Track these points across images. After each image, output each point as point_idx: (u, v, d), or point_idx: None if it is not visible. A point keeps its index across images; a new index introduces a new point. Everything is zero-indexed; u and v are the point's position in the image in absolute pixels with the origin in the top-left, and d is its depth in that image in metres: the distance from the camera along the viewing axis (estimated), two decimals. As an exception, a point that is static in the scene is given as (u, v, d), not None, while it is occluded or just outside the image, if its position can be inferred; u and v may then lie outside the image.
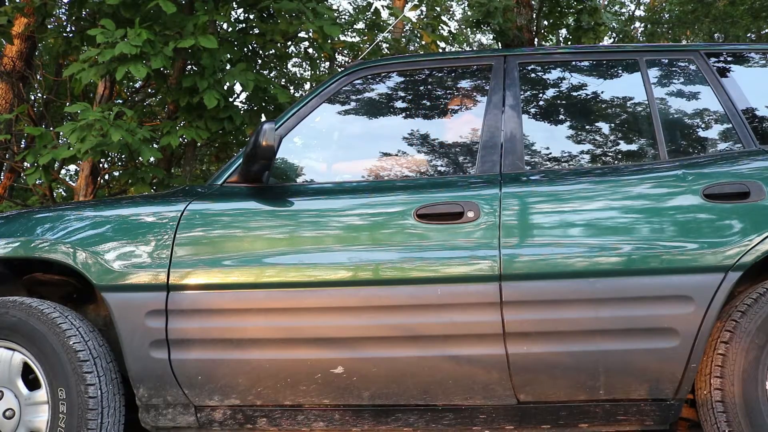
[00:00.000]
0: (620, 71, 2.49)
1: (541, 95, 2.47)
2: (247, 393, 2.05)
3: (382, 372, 2.01)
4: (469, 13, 9.78)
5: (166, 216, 2.13)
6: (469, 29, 12.74)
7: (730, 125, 2.28)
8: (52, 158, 4.62)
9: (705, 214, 2.04)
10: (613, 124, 2.42)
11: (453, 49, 13.04)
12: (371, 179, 2.31)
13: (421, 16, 8.96)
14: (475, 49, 14.52)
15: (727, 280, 1.96)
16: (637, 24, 12.71)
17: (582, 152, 2.36)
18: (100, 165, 5.58)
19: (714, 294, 1.96)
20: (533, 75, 2.48)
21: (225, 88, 4.78)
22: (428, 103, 2.50)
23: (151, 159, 5.50)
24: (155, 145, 5.36)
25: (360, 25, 10.77)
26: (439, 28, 6.41)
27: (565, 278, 1.99)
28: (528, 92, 2.43)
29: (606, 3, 12.66)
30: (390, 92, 2.48)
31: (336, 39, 5.72)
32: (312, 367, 2.01)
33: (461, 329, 1.98)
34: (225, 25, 5.51)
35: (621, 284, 1.99)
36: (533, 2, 6.41)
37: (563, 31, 8.42)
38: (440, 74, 2.53)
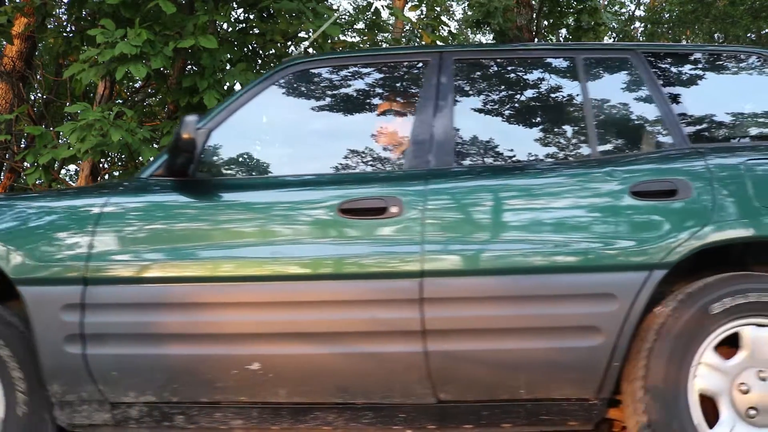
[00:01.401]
0: (557, 69, 2.47)
1: (476, 92, 2.44)
2: (163, 389, 2.01)
3: (299, 369, 1.98)
4: (469, 13, 9.78)
5: (87, 209, 2.10)
6: (469, 29, 12.74)
7: (663, 124, 2.27)
8: (52, 158, 4.62)
9: (631, 211, 2.02)
10: (547, 122, 2.41)
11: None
12: (298, 174, 2.28)
13: (421, 16, 8.96)
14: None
15: (652, 278, 1.95)
16: (637, 24, 12.73)
17: (515, 149, 2.32)
18: (100, 165, 5.58)
19: (638, 292, 1.94)
20: (469, 72, 2.45)
21: (225, 88, 4.78)
22: (361, 99, 2.47)
23: (151, 159, 5.50)
24: (155, 145, 5.35)
25: (360, 25, 10.77)
26: (439, 28, 6.41)
27: (487, 275, 1.97)
28: (464, 89, 2.40)
29: (606, 3, 12.65)
30: (323, 88, 2.46)
31: (336, 39, 5.72)
32: (228, 363, 1.97)
33: (380, 326, 1.96)
34: (225, 25, 5.51)
35: (543, 281, 1.96)
36: (533, 2, 6.40)
37: (563, 31, 8.41)
38: (375, 70, 2.50)
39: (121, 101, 6.61)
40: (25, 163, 5.62)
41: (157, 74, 4.84)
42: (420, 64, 2.41)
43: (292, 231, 2.03)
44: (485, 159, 2.28)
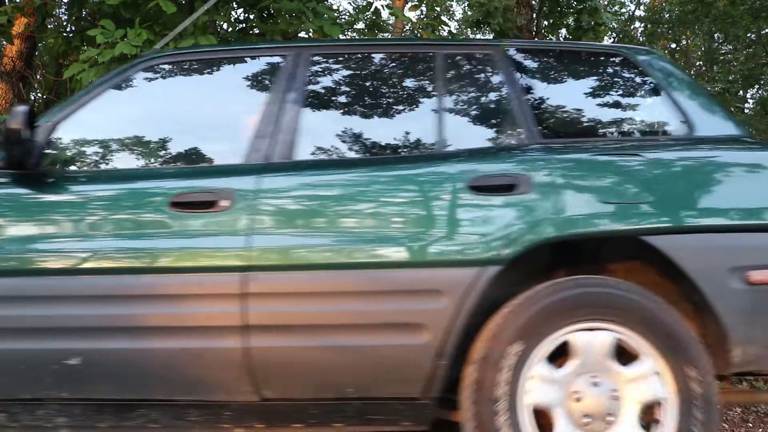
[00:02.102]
0: (416, 65, 2.46)
1: (331, 87, 2.42)
2: None
3: (120, 364, 1.96)
4: (469, 13, 9.79)
5: None
6: (469, 29, 12.74)
7: (516, 120, 2.26)
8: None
9: (468, 206, 2.01)
10: (399, 117, 2.39)
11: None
12: (137, 167, 2.26)
13: (421, 16, 8.97)
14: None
15: (484, 275, 1.93)
16: (637, 24, 12.73)
17: (362, 144, 2.31)
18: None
19: (468, 289, 1.92)
20: (325, 67, 2.44)
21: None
22: (214, 94, 2.46)
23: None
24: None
25: (360, 25, 10.77)
26: (439, 28, 6.41)
27: (313, 270, 1.95)
28: (318, 84, 2.38)
29: (606, 3, 12.66)
30: (179, 82, 2.45)
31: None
32: (47, 358, 1.95)
33: (203, 321, 1.95)
34: (225, 25, 5.51)
35: (369, 277, 1.95)
36: (533, 2, 6.41)
37: (563, 31, 8.42)
38: (234, 65, 2.50)
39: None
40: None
41: (157, 74, 4.82)
42: (278, 59, 2.39)
43: (121, 224, 2.01)
44: (331, 154, 2.25)
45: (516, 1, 5.88)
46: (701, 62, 11.85)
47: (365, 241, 1.97)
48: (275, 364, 1.94)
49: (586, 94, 2.48)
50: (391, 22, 10.95)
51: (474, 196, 2.01)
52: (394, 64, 2.48)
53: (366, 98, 2.45)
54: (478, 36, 13.86)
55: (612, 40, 12.53)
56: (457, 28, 12.70)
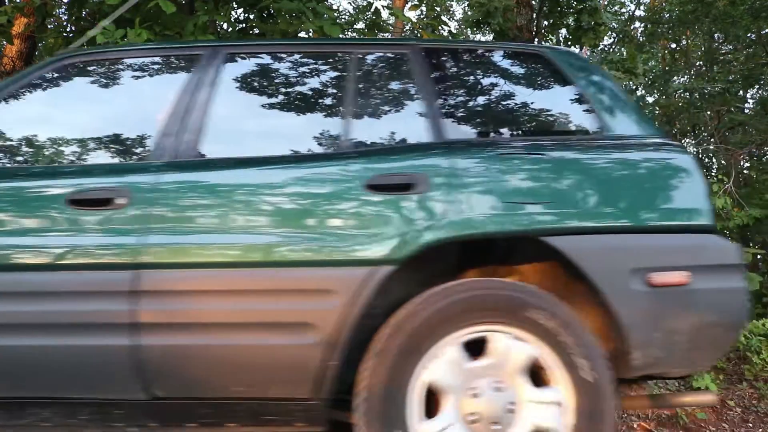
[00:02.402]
0: (329, 64, 2.46)
1: (244, 86, 2.41)
2: None
3: (11, 362, 1.94)
4: (469, 13, 9.78)
5: None
6: (469, 29, 12.74)
7: (423, 119, 2.24)
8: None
9: (364, 205, 2.00)
10: (307, 116, 2.38)
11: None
12: (37, 165, 2.26)
13: (421, 16, 8.96)
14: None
15: (377, 275, 1.91)
16: (637, 24, 12.72)
17: (267, 142, 2.29)
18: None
19: (359, 289, 1.91)
20: (241, 66, 2.43)
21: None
22: (126, 92, 2.45)
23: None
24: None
25: (360, 25, 10.77)
26: (439, 28, 6.41)
27: (205, 268, 1.94)
28: (230, 83, 2.37)
29: (606, 3, 12.66)
30: (90, 81, 2.44)
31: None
32: None
33: (94, 318, 1.92)
34: (225, 25, 5.51)
35: (262, 276, 1.94)
36: (533, 2, 6.40)
37: (563, 31, 8.42)
38: (147, 64, 2.48)
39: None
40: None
41: (157, 74, 4.82)
42: (193, 58, 2.39)
43: (18, 221, 2.01)
44: (236, 152, 2.24)
45: (516, 1, 5.87)
46: (701, 62, 11.85)
47: (258, 240, 1.96)
48: (165, 363, 1.92)
49: (499, 93, 2.48)
50: (391, 22, 10.96)
51: (370, 195, 2.00)
52: (308, 64, 2.47)
53: (276, 98, 2.44)
54: (479, 36, 13.88)
55: (612, 40, 12.53)
56: (457, 28, 12.70)
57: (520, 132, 2.36)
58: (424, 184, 2.02)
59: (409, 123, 2.28)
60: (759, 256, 7.69)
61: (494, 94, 2.47)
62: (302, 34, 5.56)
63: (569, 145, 2.19)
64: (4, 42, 5.84)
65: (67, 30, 5.62)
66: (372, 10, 6.86)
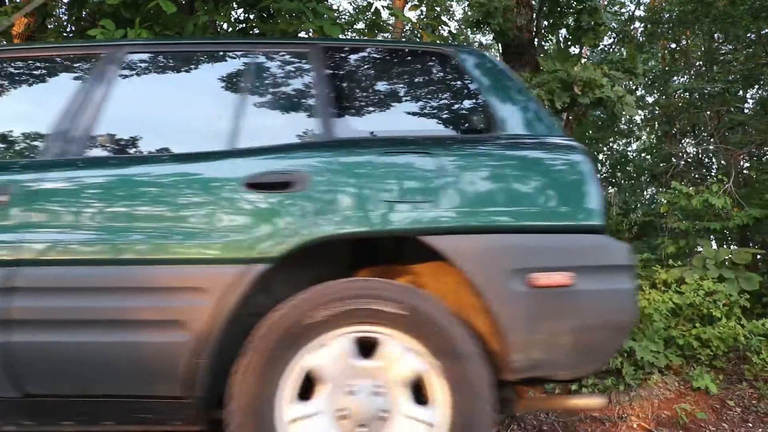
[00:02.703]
0: (229, 63, 2.46)
1: (141, 86, 2.41)
2: None
3: None
4: (469, 13, 9.78)
5: None
6: (469, 29, 12.73)
7: (316, 117, 2.25)
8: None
9: (242, 204, 1.99)
10: (201, 115, 2.37)
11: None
12: None
13: (421, 16, 8.96)
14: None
15: (250, 273, 1.90)
16: (637, 24, 12.72)
17: (159, 141, 2.29)
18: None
19: (231, 287, 1.90)
20: (140, 66, 2.43)
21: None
22: (24, 91, 2.45)
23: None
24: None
25: (360, 25, 10.76)
26: (439, 28, 6.41)
27: (80, 266, 1.94)
28: (127, 83, 2.37)
29: (606, 3, 12.65)
30: None
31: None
32: None
33: None
34: (225, 25, 5.50)
35: (134, 273, 1.93)
36: (533, 2, 6.40)
37: (563, 31, 8.43)
38: (48, 63, 2.48)
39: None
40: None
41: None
42: (92, 57, 2.39)
43: None
44: (123, 152, 2.24)
45: (516, 1, 5.87)
46: (701, 62, 11.85)
47: (133, 237, 1.96)
48: (37, 360, 1.91)
49: (398, 92, 2.48)
50: (391, 22, 10.95)
51: (248, 194, 1.99)
52: (206, 63, 2.47)
53: (169, 97, 2.44)
54: (478, 36, 13.86)
55: (612, 40, 12.52)
56: (457, 28, 12.70)
57: (412, 131, 2.33)
58: (303, 183, 2.01)
59: (300, 122, 2.29)
60: (759, 256, 7.69)
61: (392, 93, 2.47)
62: (302, 34, 5.56)
63: (457, 145, 2.18)
64: (4, 42, 5.84)
65: (67, 30, 5.61)
66: (372, 10, 6.86)
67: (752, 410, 4.46)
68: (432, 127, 2.37)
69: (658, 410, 4.32)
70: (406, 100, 2.46)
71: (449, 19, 12.26)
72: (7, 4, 5.45)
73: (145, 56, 2.44)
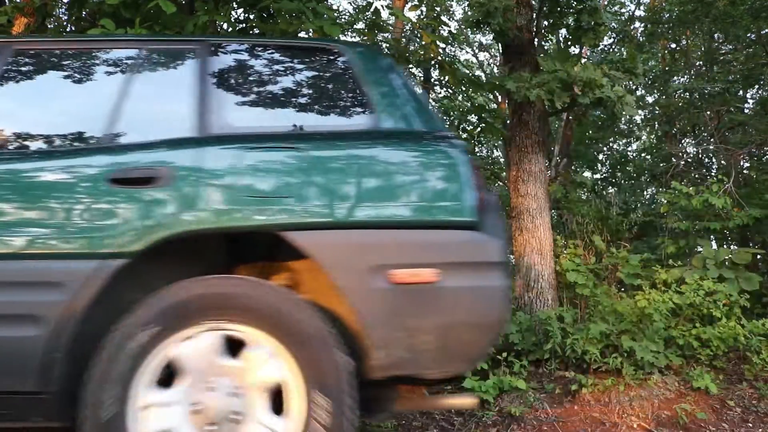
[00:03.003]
0: (109, 60, 2.44)
1: (19, 81, 2.40)
2: None
3: None
4: (469, 13, 9.78)
5: None
6: (469, 29, 12.72)
7: (190, 114, 2.23)
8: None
9: (104, 199, 1.97)
10: (75, 111, 2.35)
11: (452, 51, 13.03)
12: None
13: (421, 16, 8.96)
14: (475, 50, 14.50)
15: (106, 268, 1.89)
16: (637, 24, 12.72)
17: (35, 137, 2.27)
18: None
19: (87, 282, 1.88)
20: (27, 62, 2.43)
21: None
22: None
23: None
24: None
25: (360, 25, 10.76)
26: (439, 28, 6.41)
27: None
28: (14, 79, 2.37)
29: (606, 3, 12.65)
30: None
31: (336, 39, 5.72)
32: None
33: None
34: (225, 25, 5.50)
35: None
36: (533, 2, 6.40)
37: (563, 31, 8.42)
38: None
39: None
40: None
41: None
42: None
43: None
44: None
45: (516, 1, 5.87)
46: (701, 62, 11.85)
47: None
48: None
49: (278, 88, 2.46)
50: (391, 22, 10.95)
51: (110, 189, 1.98)
52: (92, 60, 2.45)
53: (44, 93, 2.42)
54: (478, 36, 13.85)
55: (612, 40, 12.52)
56: (457, 28, 12.70)
57: (289, 126, 2.31)
58: (166, 179, 2.00)
59: (175, 118, 2.26)
60: (759, 256, 7.69)
61: (275, 89, 2.45)
62: (302, 34, 5.57)
63: (326, 140, 2.17)
64: (4, 42, 5.84)
65: (67, 30, 5.61)
66: (372, 10, 6.86)
67: (752, 410, 4.46)
68: (311, 122, 2.35)
69: (658, 410, 4.32)
70: (289, 96, 2.44)
71: (449, 19, 12.27)
72: (7, 4, 5.45)
73: (32, 52, 2.42)
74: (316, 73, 2.51)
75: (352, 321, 1.97)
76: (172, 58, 2.43)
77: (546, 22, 6.67)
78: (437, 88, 12.24)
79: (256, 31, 5.43)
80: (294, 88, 2.47)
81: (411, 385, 2.15)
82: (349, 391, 1.88)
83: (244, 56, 2.51)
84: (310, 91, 2.46)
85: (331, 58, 2.48)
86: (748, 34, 9.88)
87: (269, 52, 2.56)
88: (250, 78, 2.47)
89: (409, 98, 2.33)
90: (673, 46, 13.04)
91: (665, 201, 7.56)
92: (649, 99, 12.95)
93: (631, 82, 6.67)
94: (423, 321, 1.93)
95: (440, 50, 7.70)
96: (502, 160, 13.72)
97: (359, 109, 2.32)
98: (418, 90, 2.50)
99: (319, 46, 2.59)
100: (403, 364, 1.95)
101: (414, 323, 1.93)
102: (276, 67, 2.53)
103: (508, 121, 6.61)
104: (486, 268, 1.98)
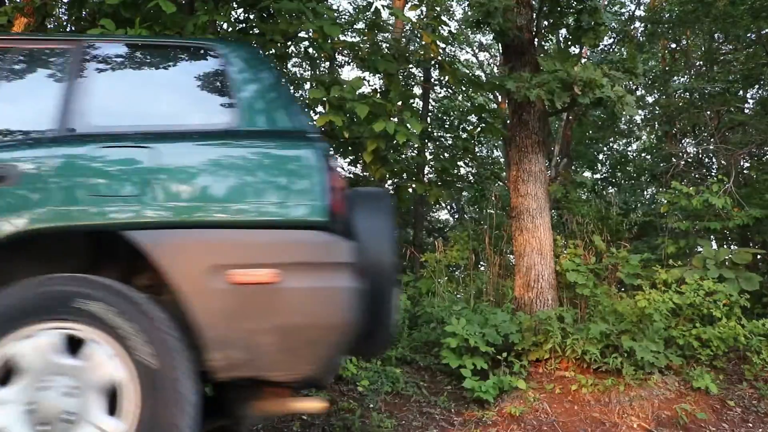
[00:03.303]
0: None
1: None
2: None
3: None
4: (469, 13, 9.78)
5: None
6: (469, 29, 12.72)
7: (51, 113, 2.22)
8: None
9: None
10: None
11: (452, 51, 13.03)
12: None
13: (421, 16, 8.96)
14: (475, 50, 14.49)
15: None
16: (637, 24, 12.71)
17: None
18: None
19: None
20: None
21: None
22: None
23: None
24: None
25: (360, 25, 10.76)
26: (439, 28, 6.40)
27: None
28: None
29: (606, 3, 12.65)
30: None
31: (336, 39, 5.72)
32: None
33: None
34: (225, 25, 5.50)
35: None
36: (533, 2, 6.39)
37: (563, 31, 8.42)
38: None
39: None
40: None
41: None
42: None
43: None
44: None
45: (516, 1, 5.87)
46: (701, 62, 11.84)
47: None
48: None
49: (154, 86, 2.47)
50: (391, 22, 10.95)
51: None
52: None
53: None
54: (478, 36, 13.84)
55: (612, 40, 12.51)
56: (457, 28, 12.69)
57: (151, 126, 2.28)
58: (13, 178, 2.00)
59: (37, 118, 2.25)
60: (759, 256, 7.69)
61: (141, 88, 2.45)
62: (302, 34, 5.56)
63: (180, 139, 2.17)
64: (4, 42, 5.84)
65: (67, 30, 5.61)
66: (372, 10, 6.86)
67: (752, 410, 4.46)
68: (174, 121, 2.32)
69: (658, 410, 4.32)
70: (156, 95, 2.45)
71: (449, 19, 12.26)
72: (7, 4, 5.45)
73: None
74: (188, 73, 2.51)
75: (191, 322, 1.95)
76: (44, 58, 2.44)
77: (546, 22, 6.67)
78: (437, 88, 12.24)
79: (256, 31, 5.43)
80: (163, 87, 2.48)
81: (273, 388, 2.10)
82: (188, 394, 1.85)
83: (118, 56, 2.51)
84: (179, 91, 2.46)
85: (205, 57, 2.49)
86: (748, 34, 9.88)
87: (144, 51, 2.57)
88: (121, 78, 2.48)
89: (277, 99, 2.35)
90: (673, 46, 13.04)
91: (665, 201, 7.56)
92: (649, 99, 12.95)
93: (631, 82, 6.67)
94: (263, 322, 1.92)
95: (440, 50, 7.69)
96: (502, 160, 13.72)
97: (223, 109, 2.32)
98: (291, 91, 2.50)
99: (195, 45, 2.59)
100: (244, 365, 1.93)
101: (253, 324, 1.92)
102: (148, 66, 2.54)
103: (508, 121, 6.61)
104: (331, 268, 1.96)
